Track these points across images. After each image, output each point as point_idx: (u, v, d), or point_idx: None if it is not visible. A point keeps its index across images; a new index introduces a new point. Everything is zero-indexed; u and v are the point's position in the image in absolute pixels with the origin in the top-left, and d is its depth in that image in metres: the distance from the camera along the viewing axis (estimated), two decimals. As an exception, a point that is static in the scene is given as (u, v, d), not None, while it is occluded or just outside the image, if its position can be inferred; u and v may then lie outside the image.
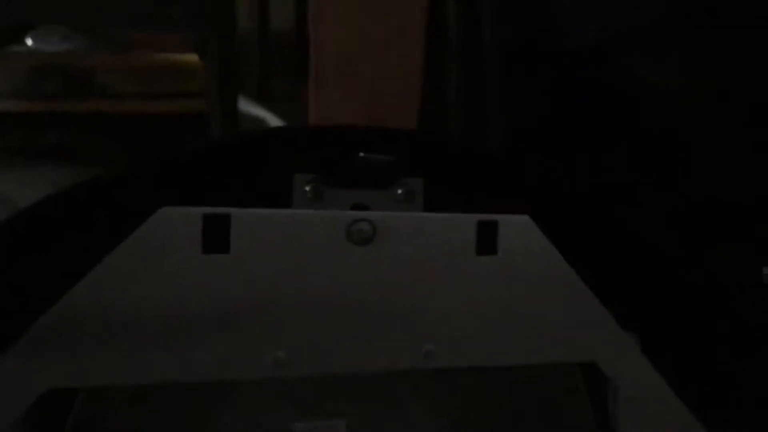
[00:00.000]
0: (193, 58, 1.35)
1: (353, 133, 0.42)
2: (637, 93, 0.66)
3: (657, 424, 0.46)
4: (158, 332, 0.38)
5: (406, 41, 0.88)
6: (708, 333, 0.49)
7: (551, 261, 0.44)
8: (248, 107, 1.53)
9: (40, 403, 0.36)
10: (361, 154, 0.41)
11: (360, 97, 0.91)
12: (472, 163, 0.44)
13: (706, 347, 0.49)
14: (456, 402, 0.47)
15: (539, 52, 0.76)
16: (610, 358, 0.45)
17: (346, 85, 0.91)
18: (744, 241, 0.60)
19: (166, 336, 0.38)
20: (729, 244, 0.60)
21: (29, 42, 1.34)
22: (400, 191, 0.42)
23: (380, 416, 0.46)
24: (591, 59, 0.70)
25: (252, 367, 0.40)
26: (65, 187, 0.39)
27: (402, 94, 0.89)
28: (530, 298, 0.44)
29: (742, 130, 0.60)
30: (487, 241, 0.42)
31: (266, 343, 0.40)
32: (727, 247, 0.60)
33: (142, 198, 0.39)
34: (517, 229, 0.43)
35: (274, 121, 1.48)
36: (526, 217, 0.43)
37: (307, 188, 0.41)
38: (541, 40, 0.76)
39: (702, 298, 0.49)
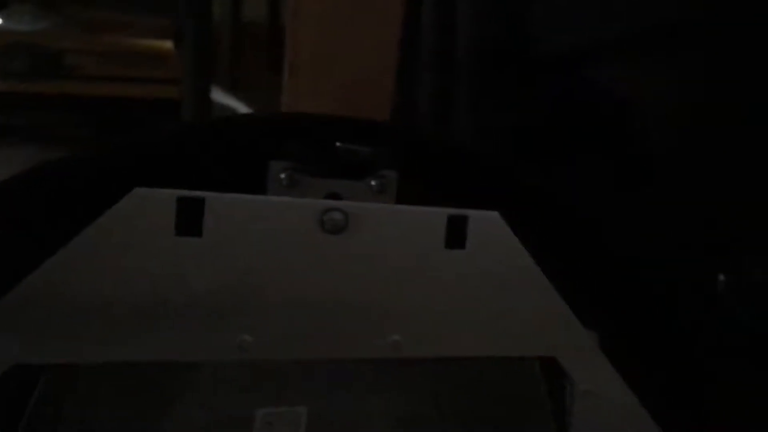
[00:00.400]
0: (166, 44, 1.34)
1: (331, 122, 0.42)
2: (608, 102, 0.67)
3: (611, 418, 0.47)
4: (126, 311, 0.38)
5: (381, 38, 0.89)
6: (664, 335, 0.50)
7: (518, 257, 0.44)
8: (219, 96, 1.53)
9: (4, 379, 0.36)
10: (338, 144, 0.41)
11: (333, 92, 0.91)
12: (446, 158, 0.45)
13: (662, 348, 0.50)
14: (416, 393, 0.48)
15: (515, 57, 0.77)
16: (569, 353, 0.46)
17: (319, 79, 0.91)
18: (703, 248, 0.61)
19: (133, 315, 0.38)
20: (689, 250, 0.61)
21: (-1, 20, 1.32)
22: (374, 182, 0.42)
23: (341, 405, 0.46)
24: (565, 67, 0.71)
25: (217, 349, 0.40)
26: (34, 165, 0.39)
27: (375, 90, 0.90)
28: (496, 293, 0.44)
29: (712, 140, 0.61)
30: (456, 235, 0.43)
31: (233, 326, 0.40)
32: (687, 253, 0.61)
33: (115, 179, 0.39)
34: (486, 224, 0.43)
35: (244, 110, 1.47)
36: (495, 214, 0.43)
37: (282, 175, 0.41)
38: (516, 46, 0.77)
39: (659, 301, 0.51)
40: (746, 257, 0.59)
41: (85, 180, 0.40)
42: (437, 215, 0.43)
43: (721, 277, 0.59)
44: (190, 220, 0.38)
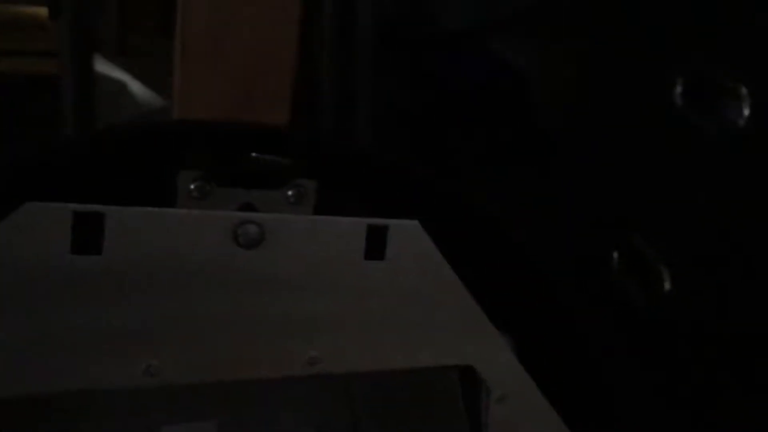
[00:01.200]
0: (42, 12, 1.24)
1: (245, 130, 0.41)
2: (512, 84, 0.67)
3: (524, 422, 0.48)
4: (19, 339, 0.35)
5: (279, 15, 0.86)
6: (573, 335, 0.52)
7: (437, 266, 0.44)
8: (106, 68, 1.44)
9: None
10: (253, 155, 0.39)
11: (230, 69, 0.88)
12: (366, 167, 0.44)
13: (574, 349, 0.52)
14: (330, 405, 0.47)
15: (414, 40, 0.76)
16: (486, 360, 0.47)
17: (214, 57, 0.87)
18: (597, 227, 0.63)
19: (27, 344, 0.35)
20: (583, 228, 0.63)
21: None
22: (290, 192, 0.41)
23: (255, 419, 0.45)
24: (467, 48, 0.71)
25: (122, 376, 0.37)
26: None
27: (275, 69, 0.87)
28: (414, 303, 0.44)
29: (603, 119, 0.63)
30: (376, 245, 0.42)
31: (139, 350, 0.37)
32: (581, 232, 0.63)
33: (3, 192, 0.36)
34: (406, 233, 0.43)
35: (134, 84, 1.40)
36: (415, 222, 0.43)
37: (192, 186, 0.39)
38: (416, 26, 0.76)
39: (567, 302, 0.52)
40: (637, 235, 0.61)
41: None
42: (357, 225, 0.42)
43: (615, 255, 0.62)
44: (88, 237, 0.35)
